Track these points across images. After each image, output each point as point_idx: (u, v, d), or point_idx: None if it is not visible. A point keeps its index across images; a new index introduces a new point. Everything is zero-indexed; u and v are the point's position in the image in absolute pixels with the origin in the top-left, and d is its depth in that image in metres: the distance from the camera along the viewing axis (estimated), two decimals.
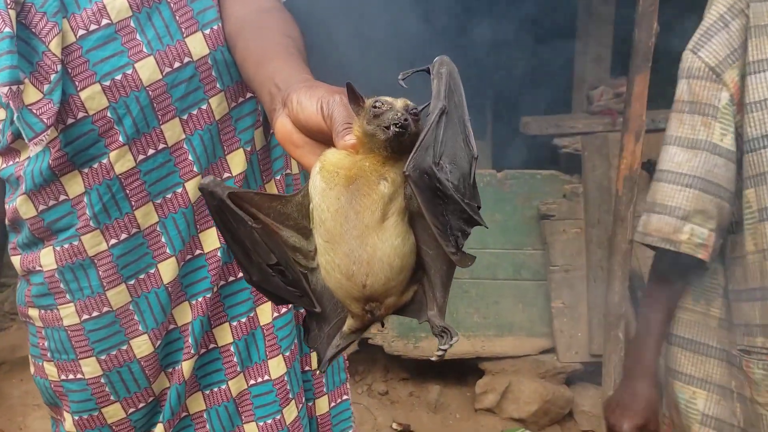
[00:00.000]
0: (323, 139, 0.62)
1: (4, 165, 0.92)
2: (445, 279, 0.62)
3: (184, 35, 0.85)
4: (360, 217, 0.58)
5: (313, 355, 1.14)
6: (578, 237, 2.67)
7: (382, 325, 0.65)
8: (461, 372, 2.80)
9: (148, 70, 0.83)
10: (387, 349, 2.71)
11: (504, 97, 3.72)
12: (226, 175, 0.96)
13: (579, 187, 2.68)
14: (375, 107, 0.57)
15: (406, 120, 0.55)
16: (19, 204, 0.89)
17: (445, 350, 0.60)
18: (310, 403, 1.13)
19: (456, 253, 0.60)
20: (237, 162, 0.96)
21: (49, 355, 0.97)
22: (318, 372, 1.01)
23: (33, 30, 0.78)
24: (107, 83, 0.82)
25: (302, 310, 1.06)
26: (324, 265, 0.62)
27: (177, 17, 0.85)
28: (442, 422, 2.62)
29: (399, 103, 0.58)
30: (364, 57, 3.11)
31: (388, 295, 0.62)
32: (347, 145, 0.59)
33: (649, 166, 2.65)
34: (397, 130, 0.55)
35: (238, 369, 1.03)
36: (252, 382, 1.04)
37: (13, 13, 0.75)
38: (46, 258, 0.91)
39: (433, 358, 0.63)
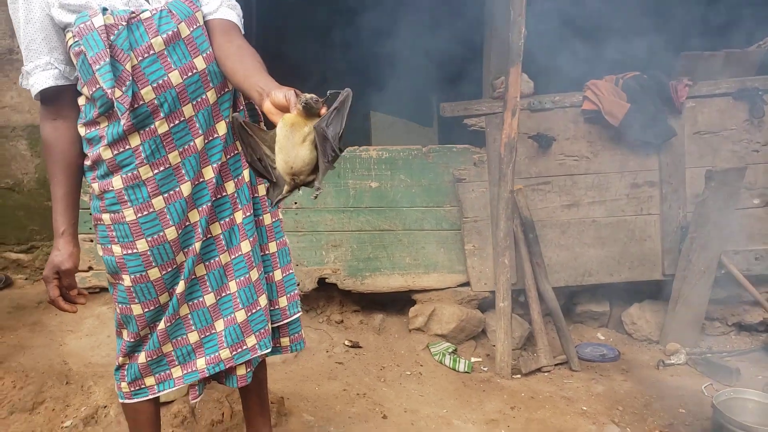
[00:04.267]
0: (284, 110, 1.33)
1: (88, 131, 1.62)
2: (324, 172, 1.35)
3: (192, 57, 1.56)
4: (294, 139, 1.32)
5: (271, 244, 1.86)
6: (484, 194, 3.39)
7: (299, 190, 1.38)
8: (399, 304, 3.49)
9: (175, 77, 1.53)
10: (340, 286, 3.41)
11: (442, 93, 4.45)
12: (215, 135, 1.67)
13: (484, 155, 3.38)
14: (298, 97, 1.32)
15: (306, 101, 1.29)
16: (102, 151, 1.56)
17: (320, 189, 1.34)
18: (269, 273, 1.85)
19: (327, 163, 1.34)
20: (221, 127, 1.66)
21: (116, 240, 1.63)
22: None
23: (116, 57, 1.49)
24: (155, 85, 1.52)
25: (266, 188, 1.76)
26: (278, 161, 1.36)
27: (188, 47, 1.56)
28: (384, 340, 3.33)
29: (307, 95, 1.32)
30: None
31: (302, 174, 1.35)
32: (295, 112, 1.31)
33: (538, 138, 3.40)
34: (302, 104, 1.30)
35: (225, 248, 1.73)
36: (233, 256, 1.72)
37: (108, 50, 1.46)
38: (116, 182, 1.59)
39: (313, 197, 1.37)
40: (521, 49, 2.87)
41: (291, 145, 1.32)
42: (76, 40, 1.48)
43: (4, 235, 3.54)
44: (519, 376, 3.06)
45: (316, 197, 1.34)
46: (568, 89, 3.47)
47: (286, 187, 1.37)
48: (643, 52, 3.49)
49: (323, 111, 1.31)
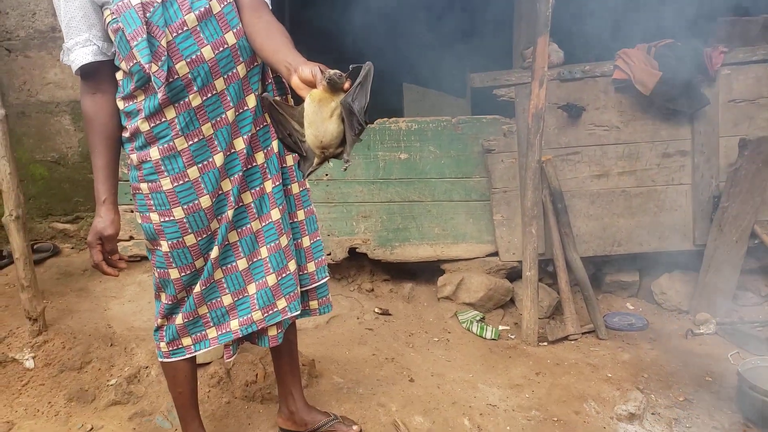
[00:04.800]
0: (311, 85, 1.38)
1: (127, 104, 1.70)
2: (351, 144, 1.42)
3: (223, 32, 1.62)
4: (322, 114, 1.37)
5: (299, 212, 1.94)
6: (513, 165, 3.41)
7: (329, 162, 1.45)
8: (428, 274, 3.55)
9: (207, 52, 1.60)
10: (370, 255, 3.50)
11: (476, 64, 4.44)
12: (245, 107, 1.74)
13: (513, 126, 3.38)
14: (323, 73, 1.37)
15: (330, 77, 1.33)
16: (140, 124, 1.64)
17: (349, 162, 1.40)
18: (298, 240, 1.94)
19: (354, 136, 1.40)
20: (251, 100, 1.73)
21: (154, 208, 1.72)
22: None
23: (152, 33, 1.56)
24: (188, 60, 1.59)
25: (295, 159, 1.83)
26: (307, 135, 1.42)
27: (219, 23, 1.63)
28: (413, 308, 3.40)
29: (331, 71, 1.38)
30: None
31: (331, 147, 1.41)
32: (321, 88, 1.37)
33: (568, 108, 3.39)
34: (326, 80, 1.35)
35: (256, 216, 1.81)
36: (263, 223, 1.81)
37: (144, 27, 1.54)
38: (154, 153, 1.68)
39: (343, 169, 1.43)
40: (549, 18, 2.85)
41: (320, 120, 1.38)
42: (115, 17, 1.56)
43: (52, 207, 3.71)
44: (545, 343, 3.11)
45: (345, 169, 1.40)
46: (599, 58, 3.44)
47: (315, 160, 1.44)
48: (677, 18, 3.42)
49: (347, 86, 1.36)
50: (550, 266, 3.46)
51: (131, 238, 3.47)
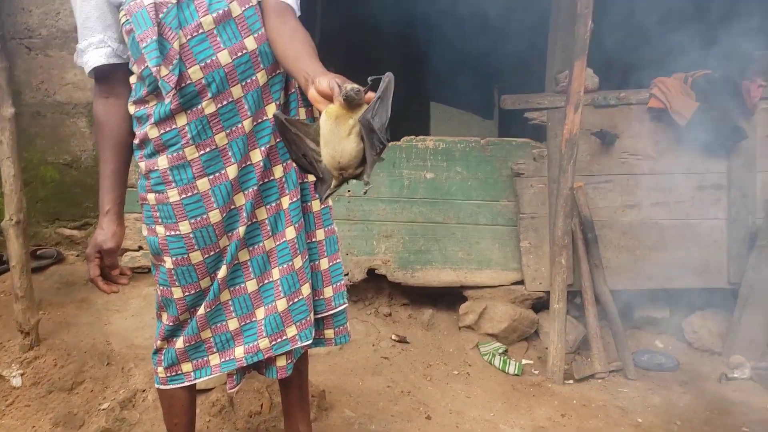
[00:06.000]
0: (329, 98, 1.25)
1: (138, 109, 1.58)
2: (372, 164, 1.27)
3: (243, 37, 1.50)
4: (339, 133, 1.24)
5: (319, 231, 1.78)
6: (542, 191, 3.25)
7: (347, 183, 1.30)
8: (449, 300, 3.37)
9: (224, 57, 1.47)
10: (390, 278, 3.31)
11: (504, 86, 4.31)
12: (264, 117, 1.60)
13: (544, 150, 3.23)
14: (340, 88, 1.23)
15: (347, 94, 1.20)
16: (149, 130, 1.52)
17: (369, 184, 1.25)
18: (315, 262, 1.77)
19: (375, 156, 1.25)
20: (271, 110, 1.59)
21: (160, 220, 1.58)
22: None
23: (164, 36, 1.44)
24: (202, 64, 1.46)
25: (312, 182, 1.68)
26: (324, 155, 1.28)
27: (239, 27, 1.50)
28: (432, 336, 3.21)
29: (348, 86, 1.23)
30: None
31: (350, 168, 1.27)
32: (338, 104, 1.24)
33: (601, 135, 3.24)
34: (343, 97, 1.21)
35: (270, 234, 1.65)
36: (277, 242, 1.65)
37: (155, 29, 1.41)
38: (162, 162, 1.54)
39: (363, 192, 1.28)
40: (587, 42, 2.72)
41: (337, 138, 1.24)
42: (127, 18, 1.47)
43: (60, 211, 3.60)
44: (571, 381, 2.92)
45: (366, 192, 1.26)
46: (633, 86, 3.30)
47: (333, 182, 1.30)
48: (715, 50, 3.28)
49: (369, 97, 1.23)
50: (578, 298, 3.28)
51: (140, 248, 3.35)
